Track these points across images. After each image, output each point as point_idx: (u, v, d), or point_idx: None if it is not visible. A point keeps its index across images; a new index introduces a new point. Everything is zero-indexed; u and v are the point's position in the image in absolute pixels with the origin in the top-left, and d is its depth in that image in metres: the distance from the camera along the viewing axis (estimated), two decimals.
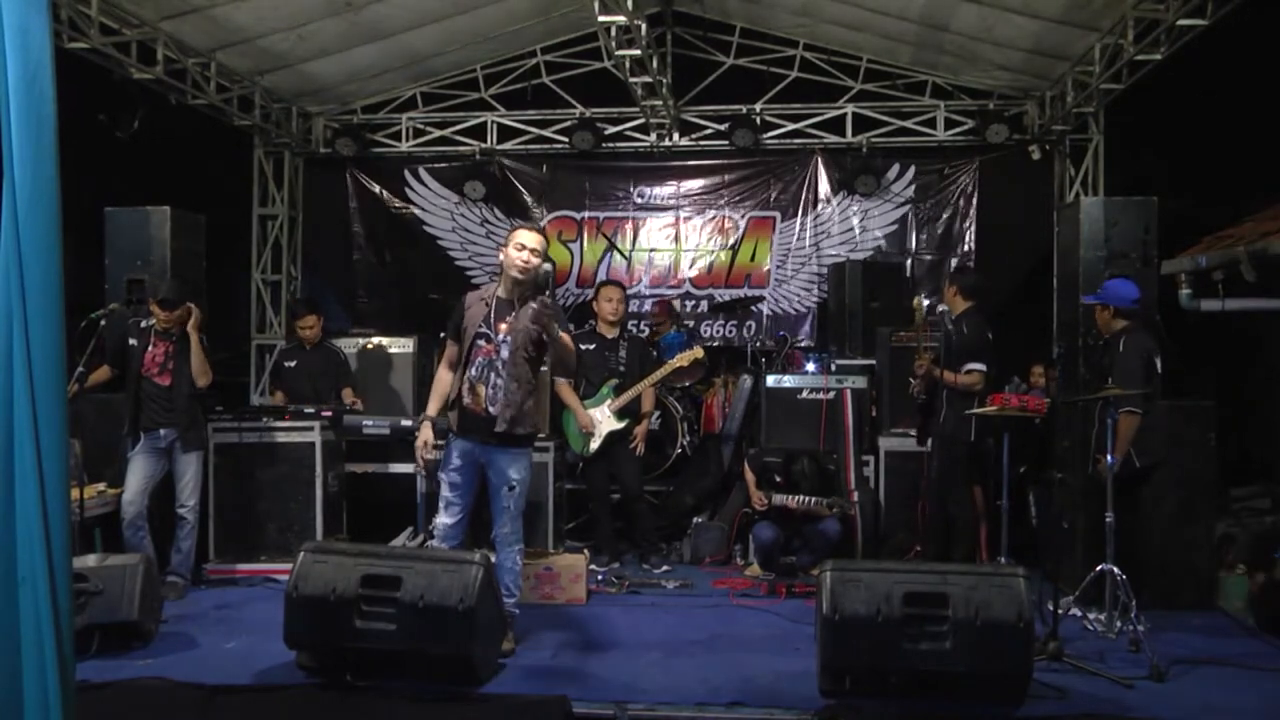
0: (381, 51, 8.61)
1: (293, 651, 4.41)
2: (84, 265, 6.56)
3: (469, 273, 9.82)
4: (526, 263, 4.66)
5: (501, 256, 4.82)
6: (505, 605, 4.75)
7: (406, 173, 9.88)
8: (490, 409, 4.67)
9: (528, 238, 4.72)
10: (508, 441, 4.73)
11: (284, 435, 6.41)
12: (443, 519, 4.83)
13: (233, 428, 6.40)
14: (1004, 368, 6.71)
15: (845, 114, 9.22)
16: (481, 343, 4.70)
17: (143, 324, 5.94)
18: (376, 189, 9.91)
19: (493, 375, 4.69)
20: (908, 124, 9.18)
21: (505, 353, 4.68)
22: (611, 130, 9.38)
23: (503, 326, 4.68)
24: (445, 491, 4.83)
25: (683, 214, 9.71)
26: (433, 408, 4.91)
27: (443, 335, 5.03)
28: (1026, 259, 8.76)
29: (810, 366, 7.99)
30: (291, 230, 9.85)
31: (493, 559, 4.64)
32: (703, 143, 9.49)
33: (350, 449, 6.81)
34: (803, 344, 9.09)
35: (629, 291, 7.72)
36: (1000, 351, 6.21)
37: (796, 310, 9.57)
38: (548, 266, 4.82)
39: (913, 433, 6.62)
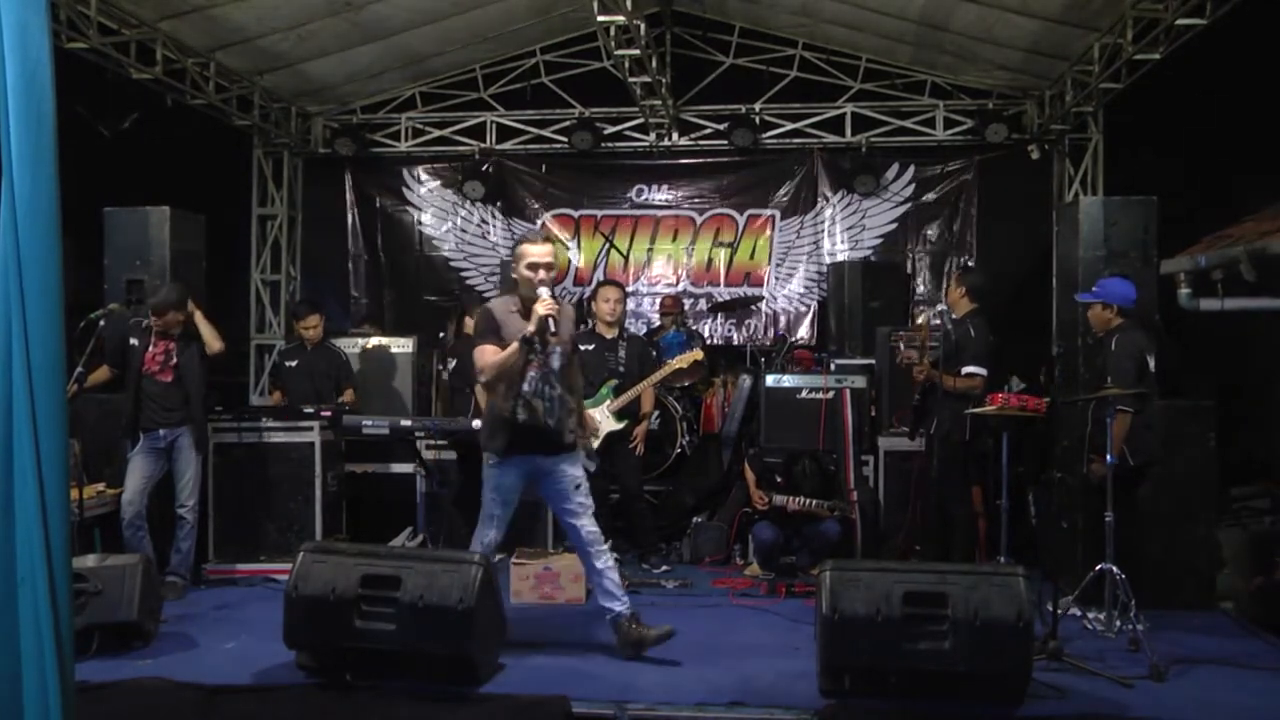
0: (381, 51, 8.62)
1: (293, 651, 4.41)
2: (84, 265, 6.57)
3: (464, 274, 9.84)
4: (546, 280, 4.55)
5: (515, 275, 4.69)
6: (618, 610, 4.70)
7: (405, 173, 9.90)
8: (549, 421, 4.56)
9: (539, 254, 4.59)
10: (568, 448, 4.69)
11: (284, 435, 6.40)
12: (492, 535, 4.70)
13: (232, 428, 6.39)
14: (1002, 368, 6.71)
15: (844, 114, 9.23)
16: (530, 357, 4.54)
17: (144, 323, 5.95)
18: (375, 189, 9.92)
19: (547, 388, 4.57)
20: (907, 124, 9.19)
21: (556, 363, 4.60)
22: (611, 130, 9.40)
23: (549, 339, 4.55)
24: (495, 510, 4.68)
25: (681, 213, 9.73)
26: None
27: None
28: (1025, 258, 8.76)
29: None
30: (291, 230, 9.86)
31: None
32: (702, 142, 9.50)
33: (350, 449, 6.80)
34: (803, 343, 9.10)
35: (627, 290, 7.72)
36: (998, 351, 6.21)
37: (796, 309, 9.58)
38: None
39: (905, 429, 6.63)
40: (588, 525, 4.72)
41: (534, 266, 4.57)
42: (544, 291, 4.49)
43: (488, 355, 4.56)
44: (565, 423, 4.62)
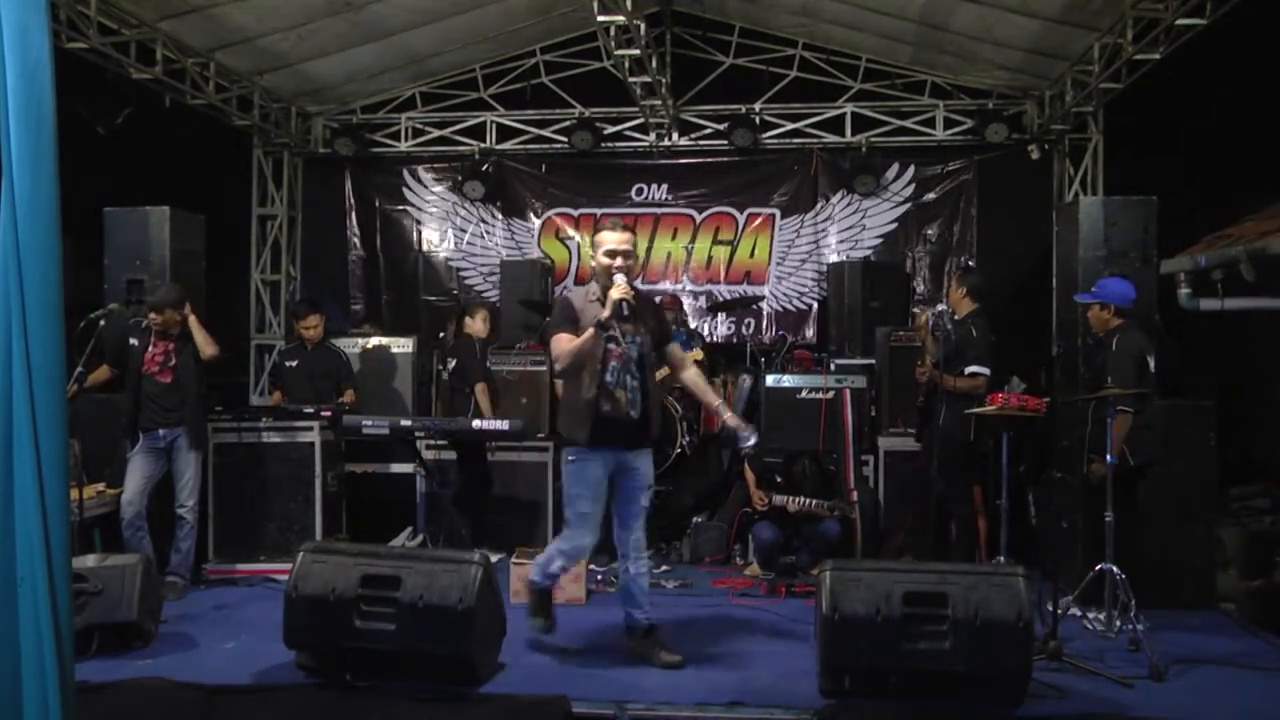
0: (381, 51, 8.61)
1: (292, 651, 4.41)
2: (84, 265, 6.56)
3: (464, 274, 9.83)
4: (622, 267, 4.52)
5: (593, 263, 4.68)
6: (638, 618, 4.71)
7: (405, 173, 9.89)
8: (632, 413, 4.52)
9: (616, 241, 4.56)
10: (647, 443, 4.67)
11: (284, 435, 6.41)
12: (588, 539, 4.63)
13: (232, 428, 6.39)
14: (1002, 368, 6.71)
15: (844, 114, 9.23)
16: (611, 346, 4.51)
17: (143, 323, 5.96)
18: (375, 189, 9.91)
19: (628, 379, 4.52)
20: (907, 123, 9.18)
21: (635, 353, 4.56)
22: (611, 130, 9.39)
23: (627, 328, 4.54)
24: (585, 508, 4.57)
25: (681, 210, 9.71)
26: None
27: (544, 334, 4.70)
28: (1025, 258, 8.76)
29: None
30: (290, 230, 9.86)
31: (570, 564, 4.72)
32: (702, 142, 9.49)
33: (350, 449, 6.80)
34: (803, 343, 9.09)
35: None
36: (998, 351, 6.21)
37: (797, 308, 9.57)
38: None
39: (911, 431, 6.64)
40: (637, 532, 4.71)
41: (612, 254, 4.54)
42: (620, 278, 4.47)
43: (563, 344, 4.53)
44: (651, 415, 4.60)
